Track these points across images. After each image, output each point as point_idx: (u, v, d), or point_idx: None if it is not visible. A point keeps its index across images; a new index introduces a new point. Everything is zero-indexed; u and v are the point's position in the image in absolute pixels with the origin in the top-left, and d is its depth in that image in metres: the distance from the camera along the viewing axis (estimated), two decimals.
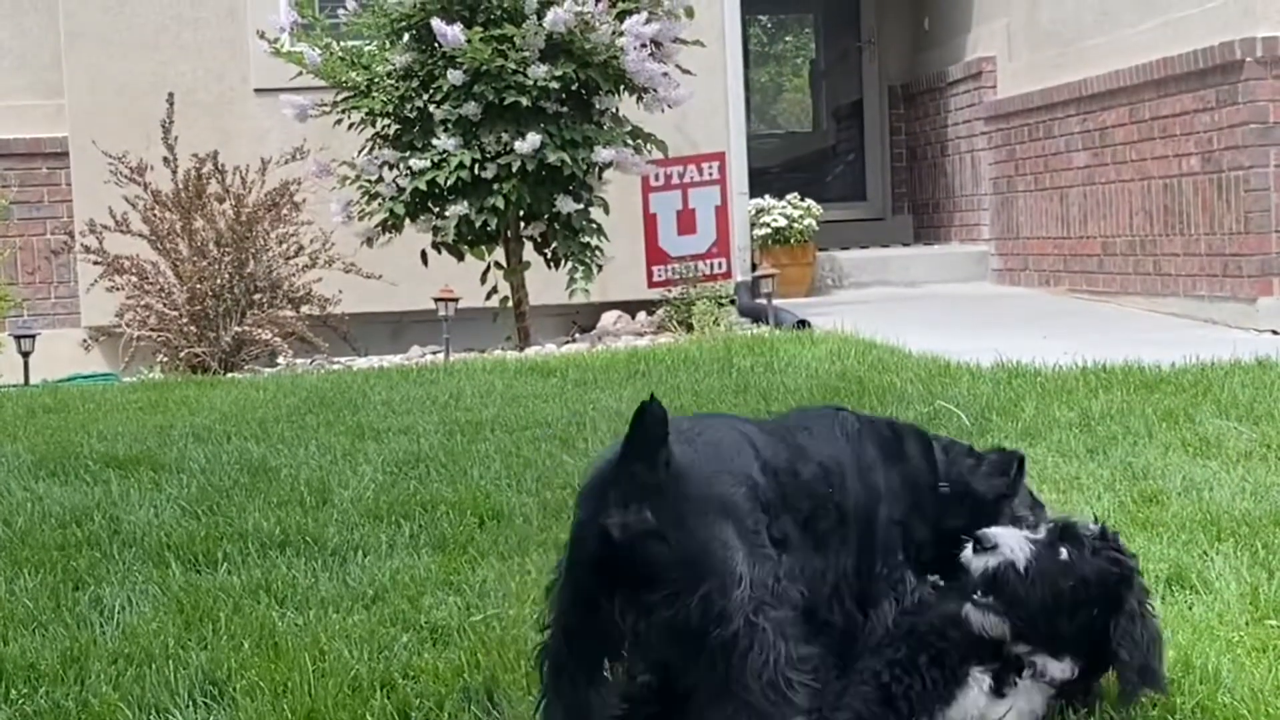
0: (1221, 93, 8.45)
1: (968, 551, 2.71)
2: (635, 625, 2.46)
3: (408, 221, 8.98)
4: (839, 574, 2.74)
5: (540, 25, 8.58)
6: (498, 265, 9.19)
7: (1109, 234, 9.88)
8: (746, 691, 2.41)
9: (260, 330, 9.17)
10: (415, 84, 8.91)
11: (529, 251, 9.27)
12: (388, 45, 9.05)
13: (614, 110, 9.14)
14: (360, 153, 9.14)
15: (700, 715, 2.46)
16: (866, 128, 13.93)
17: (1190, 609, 3.28)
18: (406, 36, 8.96)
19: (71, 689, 3.10)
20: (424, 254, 9.06)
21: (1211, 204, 8.62)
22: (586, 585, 2.50)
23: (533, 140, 8.55)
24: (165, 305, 9.30)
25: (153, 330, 9.39)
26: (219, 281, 9.24)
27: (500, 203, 8.70)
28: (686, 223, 10.44)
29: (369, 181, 9.03)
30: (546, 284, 9.37)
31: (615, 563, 2.46)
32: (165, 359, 9.42)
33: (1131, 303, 9.49)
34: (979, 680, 2.65)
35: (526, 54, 8.62)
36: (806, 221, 11.50)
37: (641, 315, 10.48)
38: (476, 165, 8.69)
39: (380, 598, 3.62)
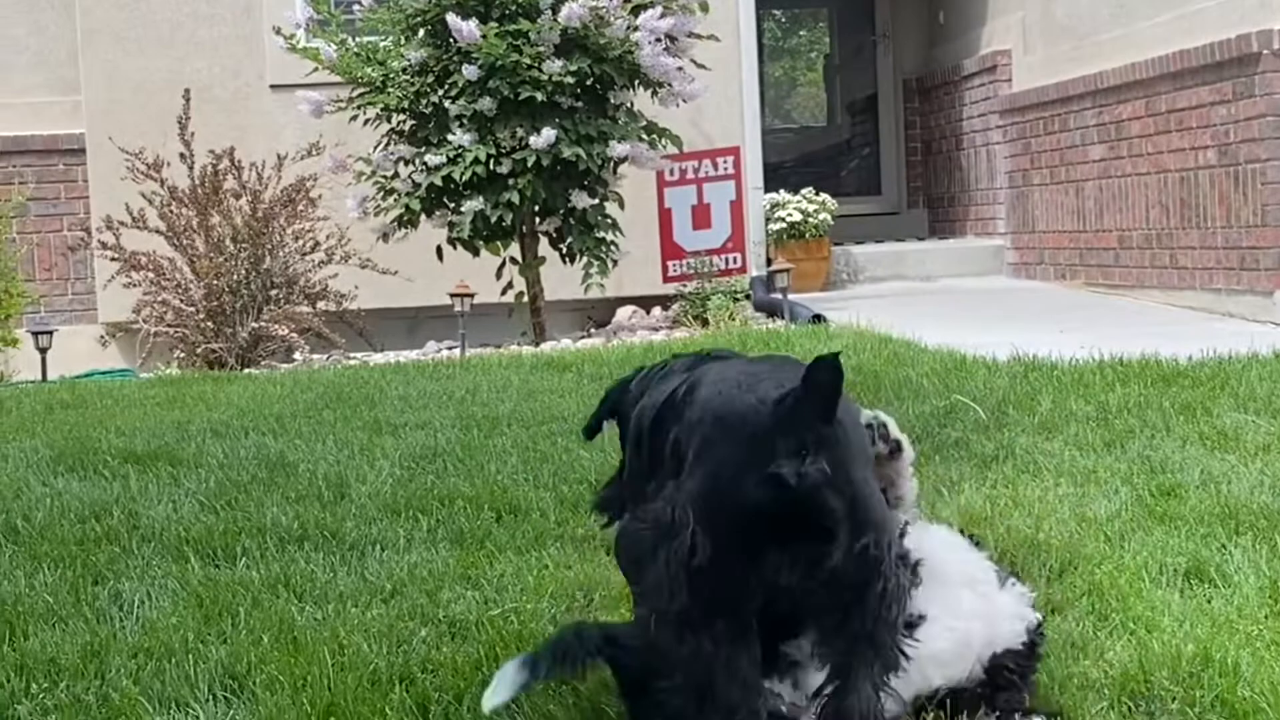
0: (1238, 85, 8.42)
1: None
2: (791, 577, 2.40)
3: (423, 217, 8.99)
4: None
5: (555, 20, 8.59)
6: (513, 260, 9.20)
7: (1125, 227, 9.85)
8: (883, 641, 2.45)
9: (277, 326, 9.19)
10: (430, 79, 8.92)
11: (544, 247, 9.28)
12: (403, 41, 9.07)
13: (629, 105, 9.14)
14: (376, 148, 9.16)
15: (841, 662, 2.45)
16: (881, 122, 13.91)
17: (1209, 602, 3.28)
18: (422, 32, 8.98)
19: (92, 683, 3.11)
20: (439, 249, 9.08)
21: (1228, 197, 8.60)
22: (737, 536, 2.38)
23: (548, 135, 8.56)
24: (182, 301, 9.32)
25: (169, 326, 9.41)
26: (235, 277, 9.26)
27: (515, 198, 8.71)
28: (701, 217, 10.44)
29: (384, 177, 9.05)
30: (562, 279, 9.38)
31: (781, 512, 2.36)
32: (182, 355, 9.45)
33: (1148, 296, 9.47)
34: None
35: (541, 49, 8.63)
36: (821, 216, 11.49)
37: (656, 310, 10.48)
38: (492, 160, 8.70)
39: (398, 592, 3.62)
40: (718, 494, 2.38)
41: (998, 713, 2.70)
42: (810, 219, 11.44)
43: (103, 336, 10.65)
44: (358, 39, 9.27)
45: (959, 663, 2.72)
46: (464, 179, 8.72)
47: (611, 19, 8.71)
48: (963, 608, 2.75)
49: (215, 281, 9.25)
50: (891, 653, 2.47)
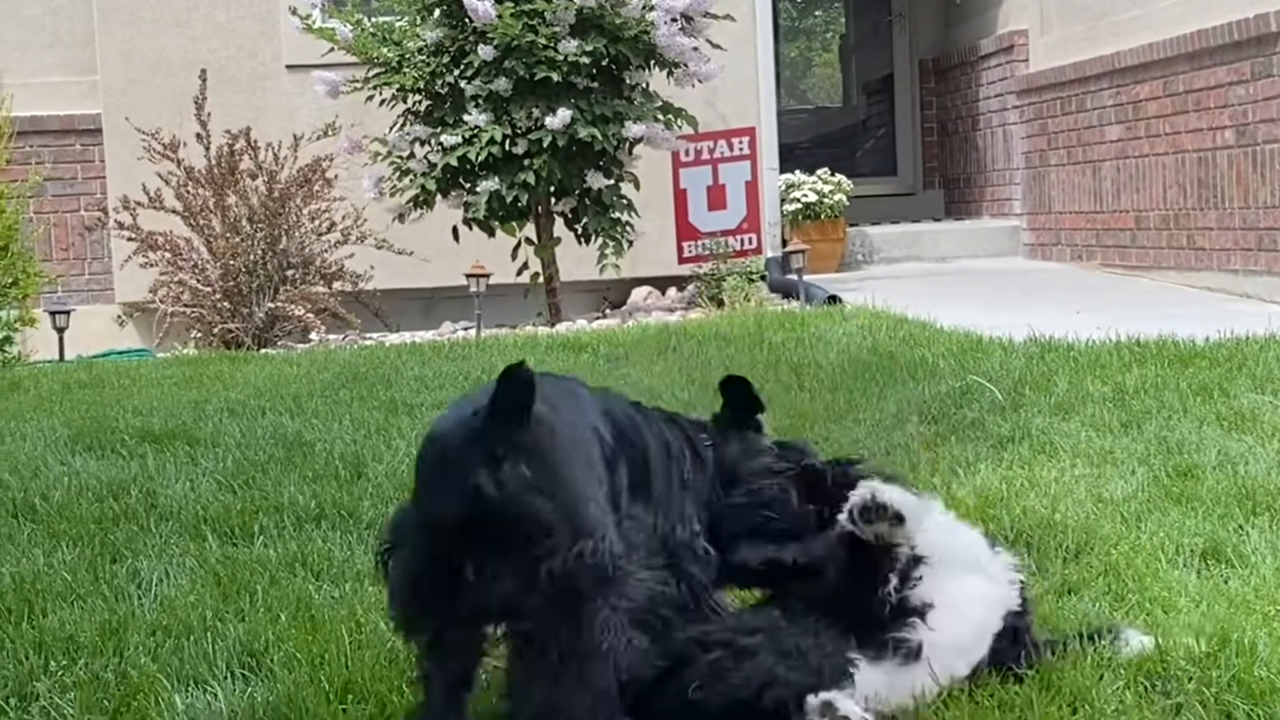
0: (1256, 65, 8.39)
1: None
2: (503, 585, 2.42)
3: (439, 197, 9.00)
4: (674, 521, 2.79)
5: (570, 0, 8.58)
6: (528, 241, 9.20)
7: (1142, 208, 9.82)
8: (598, 651, 2.43)
9: (293, 306, 9.21)
10: (446, 60, 8.92)
11: (560, 227, 9.27)
12: (419, 21, 9.06)
13: (644, 85, 9.13)
14: (392, 129, 9.16)
15: (554, 671, 2.44)
16: (897, 102, 13.87)
17: (1226, 583, 3.27)
18: (437, 12, 8.97)
19: (110, 660, 3.12)
20: (455, 230, 9.08)
21: (1246, 177, 8.57)
22: (445, 548, 2.45)
23: (563, 116, 8.55)
24: (199, 281, 9.34)
25: (186, 306, 9.43)
26: (252, 258, 9.28)
27: (531, 178, 8.71)
28: (717, 198, 10.42)
29: (400, 158, 9.05)
30: (577, 260, 9.38)
31: (486, 521, 2.41)
32: (199, 335, 9.47)
33: (1165, 277, 9.44)
34: None
35: (557, 29, 8.62)
36: (837, 197, 11.47)
37: (672, 291, 10.48)
38: (507, 141, 8.70)
39: None
40: (424, 510, 2.51)
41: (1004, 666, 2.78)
42: (825, 200, 11.42)
43: (120, 316, 10.67)
44: (373, 19, 9.28)
45: (979, 647, 2.76)
46: (480, 159, 8.72)
47: None
48: (974, 593, 2.78)
49: (232, 262, 9.26)
50: (601, 684, 2.45)
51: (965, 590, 2.77)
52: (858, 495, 2.69)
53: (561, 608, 2.43)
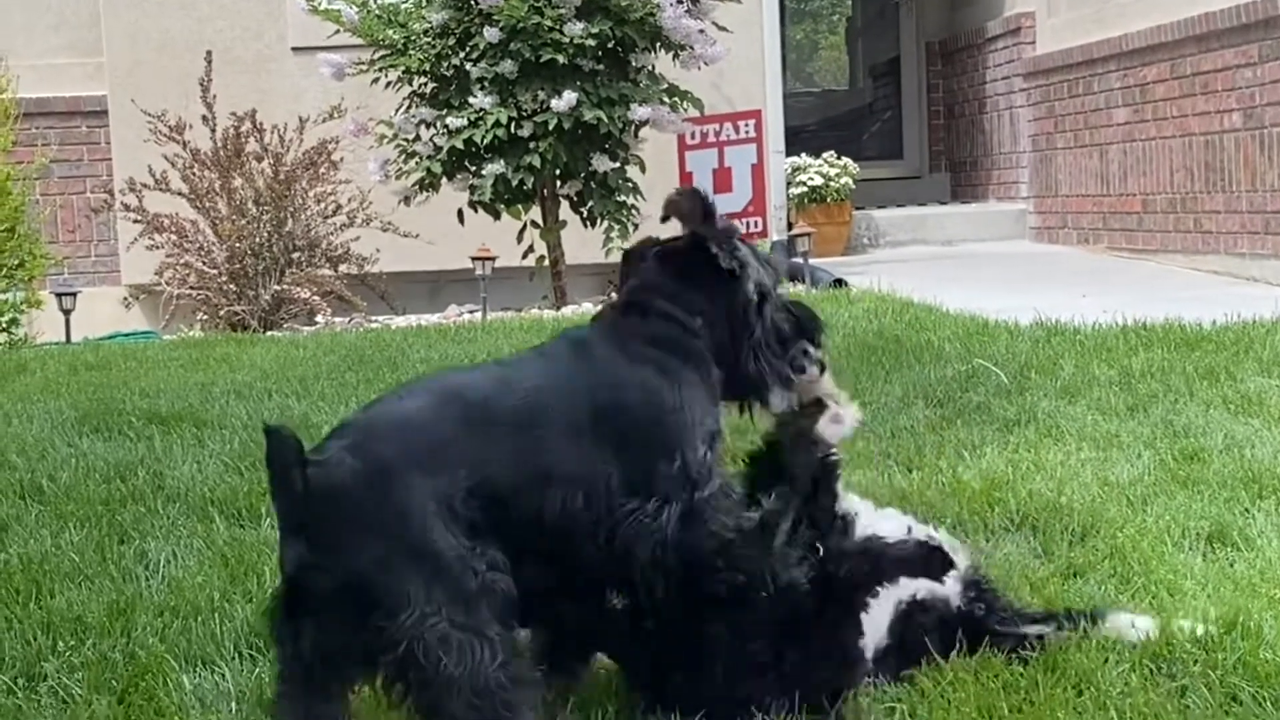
0: (1264, 48, 8.36)
1: None
2: (332, 656, 2.41)
3: (445, 180, 8.99)
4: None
5: None
6: (534, 224, 9.19)
7: (1149, 191, 9.81)
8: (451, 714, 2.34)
9: (299, 289, 9.21)
10: (452, 42, 8.90)
11: (565, 210, 9.27)
12: (424, 3, 9.04)
13: (650, 68, 9.11)
14: (397, 111, 9.15)
15: None
16: (904, 85, 13.84)
17: (1232, 566, 3.28)
18: None
19: (118, 641, 3.13)
20: (460, 213, 9.07)
21: (1253, 160, 8.55)
22: (287, 615, 2.46)
23: (569, 98, 8.54)
24: (205, 263, 9.34)
25: (192, 288, 9.44)
26: (258, 240, 9.28)
27: (537, 161, 8.70)
28: (722, 181, 10.40)
29: (406, 140, 9.04)
30: (583, 243, 9.38)
31: (295, 594, 2.42)
32: (205, 317, 9.48)
33: (1171, 261, 9.43)
34: None
35: (563, 11, 8.60)
36: (843, 180, 11.45)
37: None
38: (513, 123, 8.69)
39: None
40: None
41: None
42: (831, 183, 11.41)
43: (126, 298, 10.68)
44: (379, 1, 9.25)
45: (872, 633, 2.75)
46: (485, 142, 8.71)
47: None
48: (910, 529, 2.85)
49: (237, 244, 9.26)
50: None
51: (900, 523, 2.83)
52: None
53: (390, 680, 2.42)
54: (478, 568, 2.38)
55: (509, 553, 2.43)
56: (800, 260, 9.75)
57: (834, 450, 2.77)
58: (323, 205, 9.53)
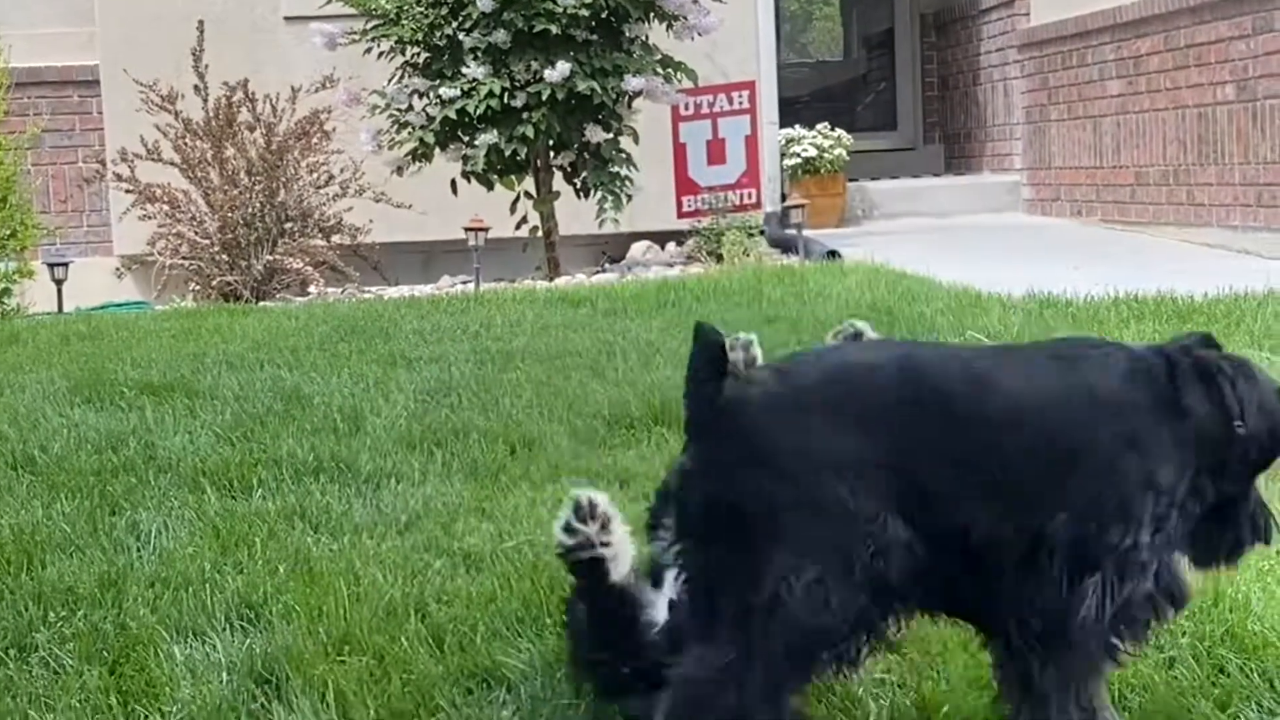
0: (1258, 20, 8.35)
1: None
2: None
3: (437, 151, 8.97)
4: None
5: None
6: (527, 195, 9.18)
7: (1142, 164, 9.80)
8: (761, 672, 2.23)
9: (291, 259, 9.20)
10: (444, 11, 8.87)
11: (558, 181, 9.25)
12: None
13: (644, 38, 9.09)
14: (390, 81, 9.12)
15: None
16: (898, 56, 13.81)
17: None
18: None
19: (109, 612, 3.14)
20: (454, 183, 9.06)
21: (1246, 133, 8.54)
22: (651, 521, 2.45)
23: (562, 69, 8.52)
24: (197, 234, 9.32)
25: (185, 259, 9.42)
26: (250, 210, 9.26)
27: (530, 132, 8.68)
28: (716, 152, 10.39)
29: (399, 110, 9.02)
30: (576, 214, 9.36)
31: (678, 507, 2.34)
32: (197, 287, 9.47)
33: (1164, 233, 9.43)
34: None
35: None
36: (837, 151, 11.43)
37: (671, 246, 10.46)
38: (506, 94, 8.67)
39: (413, 524, 3.65)
40: None
41: None
42: (825, 155, 11.39)
43: (118, 269, 10.65)
44: None
45: None
46: (478, 112, 8.69)
47: None
48: None
49: (230, 214, 9.24)
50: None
51: None
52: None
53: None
54: (856, 540, 2.21)
55: (911, 537, 2.25)
56: (794, 232, 9.74)
57: None
58: (315, 175, 9.50)
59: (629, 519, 3.54)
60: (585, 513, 2.53)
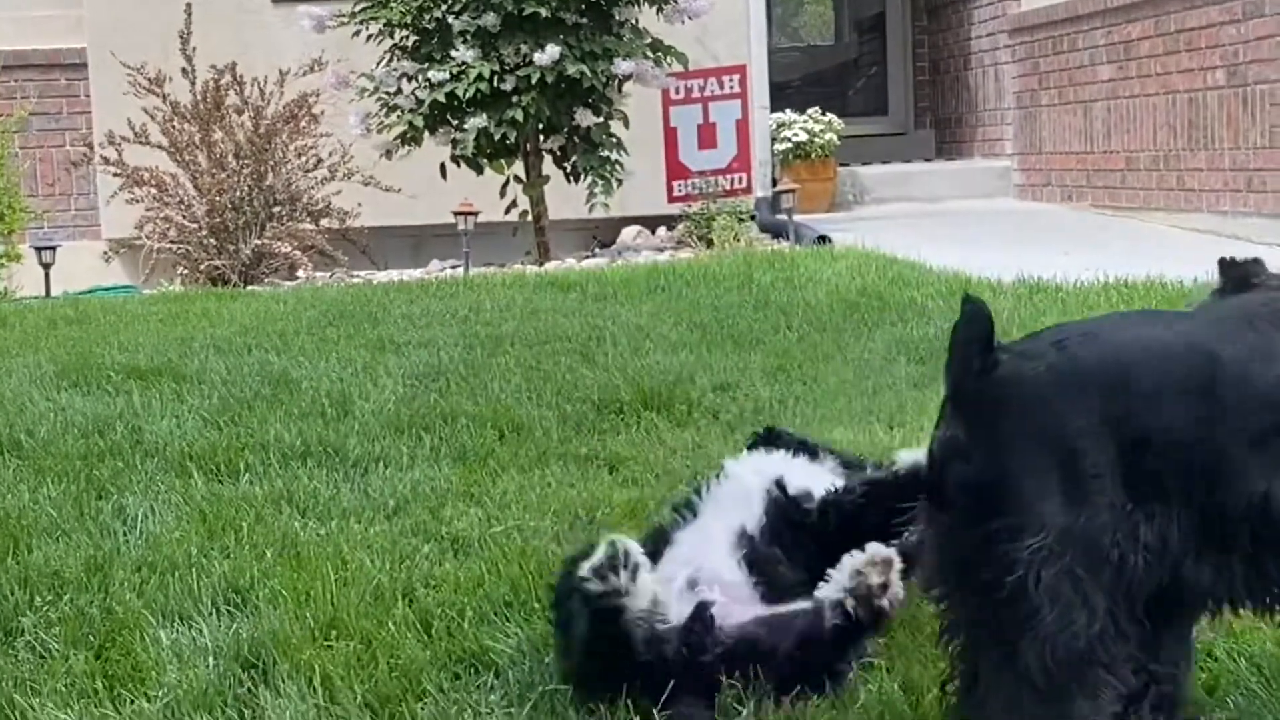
0: (1248, 5, 8.34)
1: None
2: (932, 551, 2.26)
3: (426, 134, 8.94)
4: None
5: None
6: (517, 179, 9.15)
7: (1132, 149, 9.80)
8: (1023, 664, 2.11)
9: (280, 243, 9.17)
10: None
11: (548, 165, 9.23)
12: None
13: (634, 22, 9.06)
14: (378, 64, 9.09)
15: (978, 676, 2.20)
16: (889, 41, 13.78)
17: None
18: None
19: (96, 596, 3.13)
20: (443, 167, 9.04)
21: (1236, 118, 8.54)
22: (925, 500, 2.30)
23: (552, 52, 8.49)
24: (185, 217, 9.29)
25: (172, 242, 9.39)
26: (238, 194, 9.23)
27: (519, 115, 8.66)
28: (707, 137, 10.37)
29: (387, 94, 8.99)
30: (566, 198, 9.34)
31: (931, 479, 2.25)
32: (185, 271, 9.44)
33: (1154, 218, 9.43)
34: None
35: None
36: (828, 136, 11.42)
37: (661, 230, 10.45)
38: (495, 77, 8.64)
39: (401, 509, 3.64)
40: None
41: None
42: (816, 139, 11.37)
43: (106, 252, 10.63)
44: None
45: None
46: (467, 96, 8.66)
47: None
48: None
49: (218, 198, 9.21)
50: (1040, 679, 2.15)
51: None
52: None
53: (969, 594, 2.20)
54: (1120, 526, 2.12)
55: (1166, 520, 2.15)
56: (785, 217, 9.73)
57: None
58: (303, 159, 9.47)
59: (619, 504, 3.55)
60: (620, 563, 2.51)
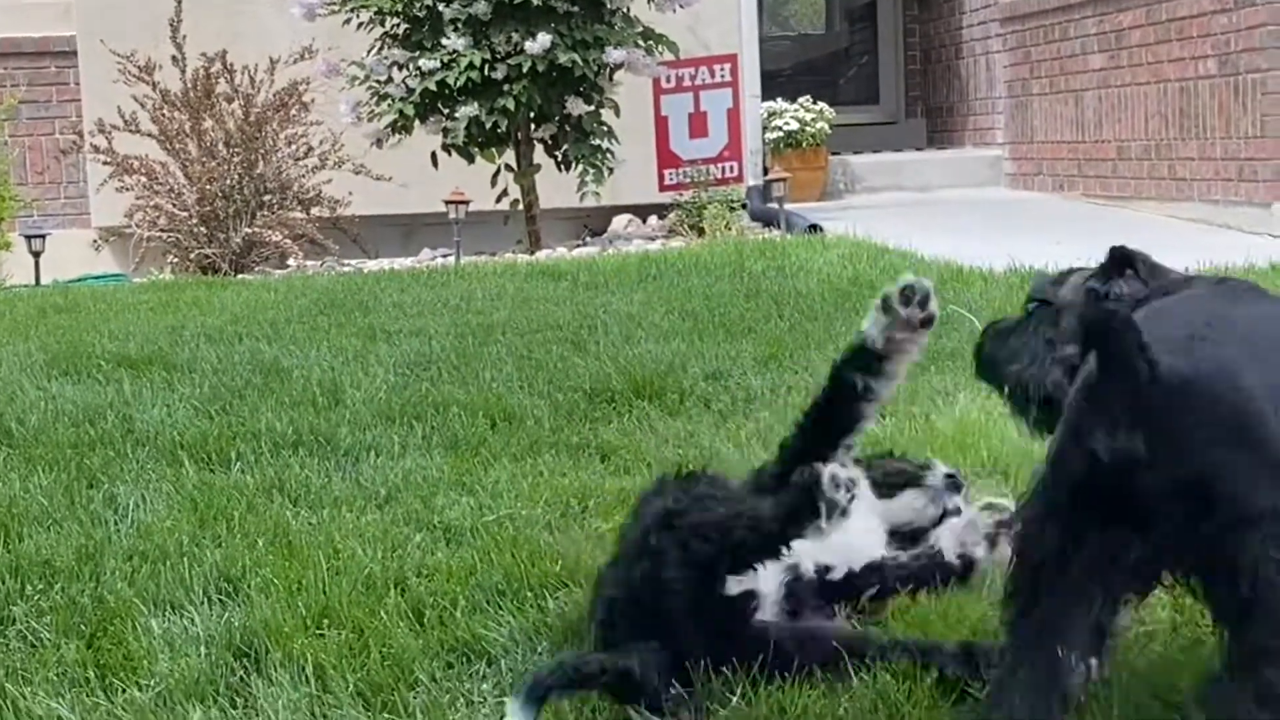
0: None
1: None
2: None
3: (417, 123, 8.93)
4: None
5: None
6: (508, 168, 9.14)
7: (1124, 138, 9.80)
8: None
9: (270, 232, 9.15)
10: None
11: (540, 154, 9.22)
12: None
13: (625, 10, 9.05)
14: (369, 52, 9.07)
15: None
16: (880, 29, 13.77)
17: None
18: None
19: (87, 585, 3.12)
20: (434, 156, 9.02)
21: (1228, 107, 8.54)
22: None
23: (543, 40, 8.48)
24: (175, 206, 9.27)
25: (163, 231, 9.37)
26: (229, 182, 9.21)
27: (510, 104, 8.64)
28: (698, 126, 10.37)
29: (378, 82, 8.97)
30: (557, 187, 9.33)
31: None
32: (175, 260, 9.42)
33: (1146, 208, 9.43)
34: None
35: None
36: (819, 125, 11.41)
37: (653, 219, 10.44)
38: (486, 66, 8.63)
39: (393, 498, 3.64)
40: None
41: None
42: (807, 128, 11.36)
43: (96, 241, 10.60)
44: None
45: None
46: (459, 84, 8.65)
47: None
48: None
49: (208, 186, 9.19)
50: None
51: None
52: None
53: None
54: None
55: None
56: (776, 206, 9.72)
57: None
58: (294, 147, 9.45)
59: (610, 492, 3.55)
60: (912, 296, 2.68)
